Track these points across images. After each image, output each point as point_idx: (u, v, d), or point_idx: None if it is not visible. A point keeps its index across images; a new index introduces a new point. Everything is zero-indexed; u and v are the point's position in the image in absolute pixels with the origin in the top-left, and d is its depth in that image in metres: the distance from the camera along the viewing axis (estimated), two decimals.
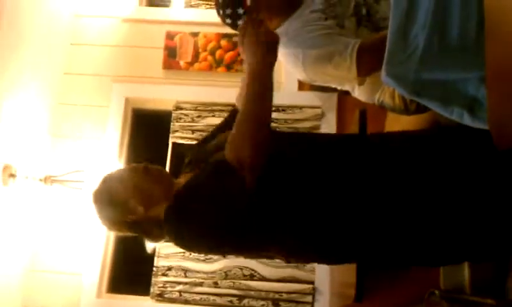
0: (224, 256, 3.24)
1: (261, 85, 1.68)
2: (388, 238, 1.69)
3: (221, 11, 2.21)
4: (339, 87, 2.35)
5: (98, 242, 3.75)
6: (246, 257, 1.92)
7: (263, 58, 1.69)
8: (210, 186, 1.70)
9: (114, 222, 1.90)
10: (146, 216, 1.82)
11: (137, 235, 1.92)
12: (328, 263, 2.05)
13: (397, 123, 2.53)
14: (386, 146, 1.82)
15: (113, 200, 1.85)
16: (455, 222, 1.63)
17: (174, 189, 1.81)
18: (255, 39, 1.70)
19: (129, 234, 1.93)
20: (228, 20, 2.22)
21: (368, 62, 2.05)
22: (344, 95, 3.08)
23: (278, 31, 2.23)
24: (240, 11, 2.18)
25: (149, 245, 3.64)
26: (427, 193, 1.66)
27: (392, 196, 1.68)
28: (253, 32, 1.72)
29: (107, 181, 1.90)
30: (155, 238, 1.92)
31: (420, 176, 1.71)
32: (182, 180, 1.86)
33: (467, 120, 1.43)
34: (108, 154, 3.78)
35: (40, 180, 3.53)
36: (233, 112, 2.05)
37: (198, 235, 1.74)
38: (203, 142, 2.07)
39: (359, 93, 2.29)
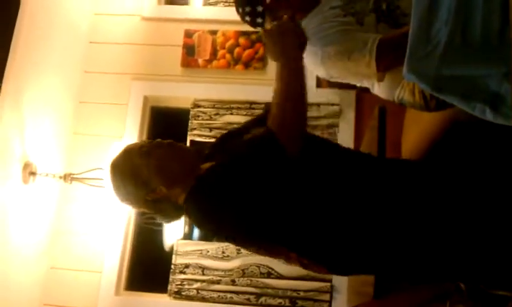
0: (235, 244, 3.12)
1: (297, 80, 1.71)
2: (408, 254, 1.69)
3: (240, 9, 2.22)
4: (358, 84, 2.35)
5: (117, 239, 3.77)
6: (257, 251, 1.89)
7: (296, 55, 1.72)
8: (238, 171, 1.68)
9: (132, 198, 1.84)
10: (167, 195, 1.79)
11: (151, 212, 1.88)
12: (333, 271, 2.03)
13: (416, 120, 2.51)
14: (406, 165, 1.84)
15: (135, 176, 1.79)
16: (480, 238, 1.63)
17: (198, 170, 1.77)
18: (286, 38, 1.72)
19: (143, 210, 1.88)
20: (247, 18, 2.22)
21: (387, 58, 2.04)
22: (362, 92, 3.07)
23: None
24: (260, 8, 2.18)
25: (167, 243, 3.66)
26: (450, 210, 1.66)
27: (413, 214, 1.68)
28: (284, 31, 1.74)
29: (130, 155, 1.83)
30: (169, 218, 1.90)
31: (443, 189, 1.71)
32: (206, 165, 1.82)
33: (489, 116, 1.42)
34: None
35: (60, 177, 3.55)
36: (267, 108, 2.05)
37: (216, 219, 1.71)
38: (229, 134, 2.07)
39: (378, 90, 2.28)
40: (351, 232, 1.67)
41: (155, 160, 1.78)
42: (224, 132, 2.17)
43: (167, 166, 1.78)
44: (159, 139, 1.86)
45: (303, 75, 1.73)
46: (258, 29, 2.29)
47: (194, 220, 1.81)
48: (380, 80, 2.17)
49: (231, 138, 1.98)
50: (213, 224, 1.77)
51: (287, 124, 1.67)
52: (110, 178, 1.86)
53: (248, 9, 2.18)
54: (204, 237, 3.80)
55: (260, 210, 1.64)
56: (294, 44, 1.74)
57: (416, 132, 2.47)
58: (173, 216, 1.88)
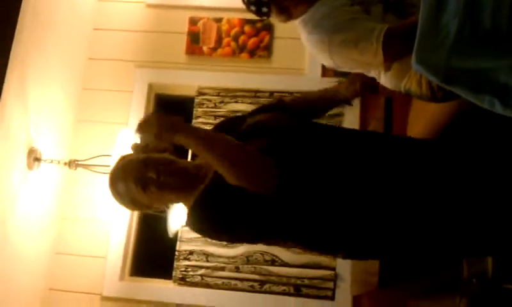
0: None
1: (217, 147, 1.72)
2: (411, 232, 1.71)
3: None
4: (365, 74, 2.34)
5: (122, 225, 3.79)
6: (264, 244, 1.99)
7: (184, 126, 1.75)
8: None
9: (134, 209, 2.06)
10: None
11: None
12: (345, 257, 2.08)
13: (422, 111, 2.51)
14: (408, 143, 1.88)
15: (135, 202, 1.85)
16: (481, 215, 1.65)
17: (198, 178, 1.81)
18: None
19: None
20: (253, 7, 2.20)
21: (395, 48, 2.02)
22: None
23: (304, 17, 2.22)
24: None
25: (171, 230, 3.68)
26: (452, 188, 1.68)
27: (414, 192, 1.70)
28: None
29: (127, 185, 1.81)
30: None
31: (444, 170, 1.72)
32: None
33: (499, 108, 1.42)
34: (131, 139, 3.79)
35: (65, 163, 3.57)
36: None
37: (219, 229, 1.79)
38: (230, 121, 2.09)
39: (385, 80, 2.27)
40: (360, 211, 1.71)
41: (153, 192, 1.79)
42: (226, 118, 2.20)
43: (166, 195, 1.83)
44: (153, 158, 1.83)
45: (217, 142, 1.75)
46: (264, 18, 2.28)
47: (198, 231, 1.88)
48: (387, 69, 2.16)
49: (233, 125, 1.99)
50: (217, 234, 1.90)
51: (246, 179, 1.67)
52: (111, 194, 1.89)
53: None
54: None
55: (265, 212, 1.69)
56: (172, 122, 1.73)
57: (422, 123, 2.47)
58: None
